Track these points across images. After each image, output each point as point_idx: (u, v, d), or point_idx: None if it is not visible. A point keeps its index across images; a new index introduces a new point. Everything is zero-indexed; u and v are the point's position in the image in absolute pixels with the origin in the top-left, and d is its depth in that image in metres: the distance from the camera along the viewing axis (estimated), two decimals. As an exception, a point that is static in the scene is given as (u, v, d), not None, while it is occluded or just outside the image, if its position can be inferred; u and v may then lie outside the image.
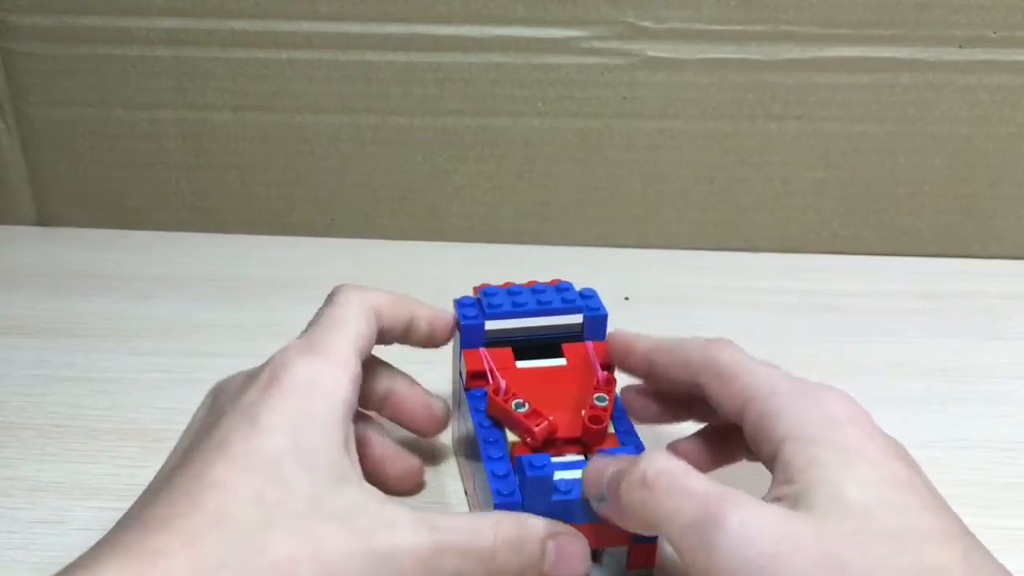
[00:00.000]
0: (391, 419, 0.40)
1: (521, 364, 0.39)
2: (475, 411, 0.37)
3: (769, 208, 0.59)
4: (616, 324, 0.40)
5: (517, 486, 0.33)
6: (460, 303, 0.40)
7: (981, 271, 0.58)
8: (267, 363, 0.33)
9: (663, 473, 0.28)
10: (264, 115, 0.58)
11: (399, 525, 0.29)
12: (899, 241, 0.60)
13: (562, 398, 0.37)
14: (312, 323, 0.36)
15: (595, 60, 0.56)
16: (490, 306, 0.39)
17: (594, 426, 0.35)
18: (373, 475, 0.37)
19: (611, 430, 0.36)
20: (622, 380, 0.38)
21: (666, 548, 0.35)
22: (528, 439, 0.35)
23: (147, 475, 0.31)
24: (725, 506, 0.27)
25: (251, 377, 0.32)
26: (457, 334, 0.39)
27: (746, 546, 0.26)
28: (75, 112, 0.59)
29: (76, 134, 0.60)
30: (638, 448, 0.35)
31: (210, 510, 0.27)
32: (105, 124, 0.59)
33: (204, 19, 0.56)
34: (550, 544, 0.31)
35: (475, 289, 0.41)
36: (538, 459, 0.32)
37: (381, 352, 0.39)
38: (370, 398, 0.39)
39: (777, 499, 0.28)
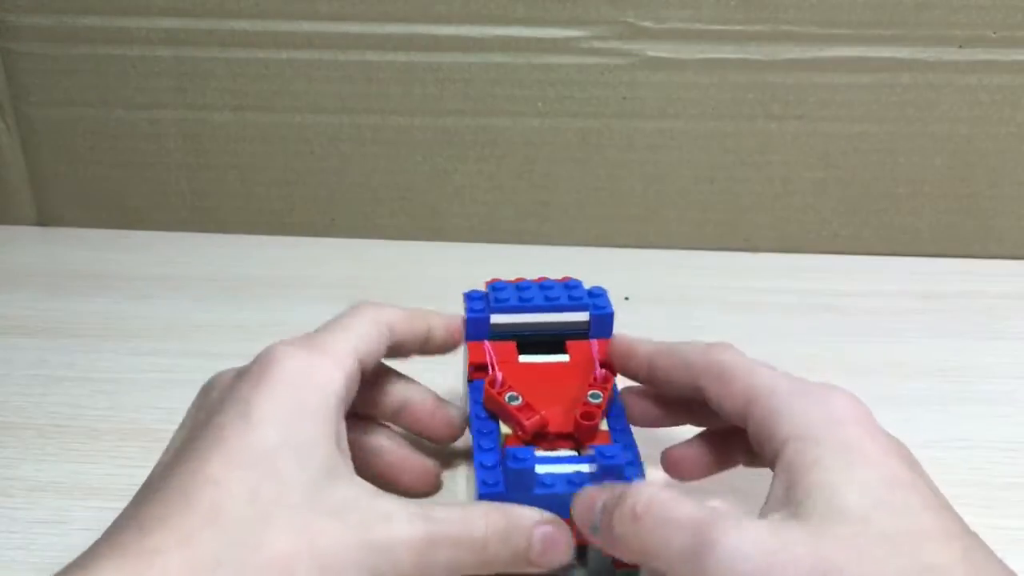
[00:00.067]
0: (407, 429, 0.40)
1: (524, 359, 0.39)
2: (474, 402, 0.37)
3: (769, 208, 0.59)
4: (616, 324, 0.40)
5: (502, 477, 0.33)
6: (469, 296, 0.40)
7: (981, 271, 0.58)
8: (256, 358, 0.32)
9: (652, 503, 0.28)
10: (264, 115, 0.58)
11: (395, 517, 0.29)
12: (899, 241, 0.60)
13: (559, 394, 0.37)
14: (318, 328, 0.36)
15: (595, 60, 0.56)
16: (497, 300, 0.39)
17: (585, 422, 0.35)
18: (388, 479, 0.37)
19: (605, 427, 0.36)
20: (623, 382, 0.38)
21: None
22: (519, 432, 0.35)
23: (147, 475, 0.31)
24: (716, 529, 0.26)
25: (241, 372, 0.32)
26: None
27: (741, 563, 0.26)
28: (75, 112, 0.59)
29: (76, 134, 0.60)
30: (627, 447, 0.35)
31: (205, 508, 0.27)
32: (105, 124, 0.59)
33: (204, 19, 0.56)
34: (536, 533, 0.31)
35: (486, 283, 0.41)
36: (522, 451, 0.33)
37: (395, 362, 0.39)
38: (385, 409, 0.39)
39: (775, 505, 0.28)
